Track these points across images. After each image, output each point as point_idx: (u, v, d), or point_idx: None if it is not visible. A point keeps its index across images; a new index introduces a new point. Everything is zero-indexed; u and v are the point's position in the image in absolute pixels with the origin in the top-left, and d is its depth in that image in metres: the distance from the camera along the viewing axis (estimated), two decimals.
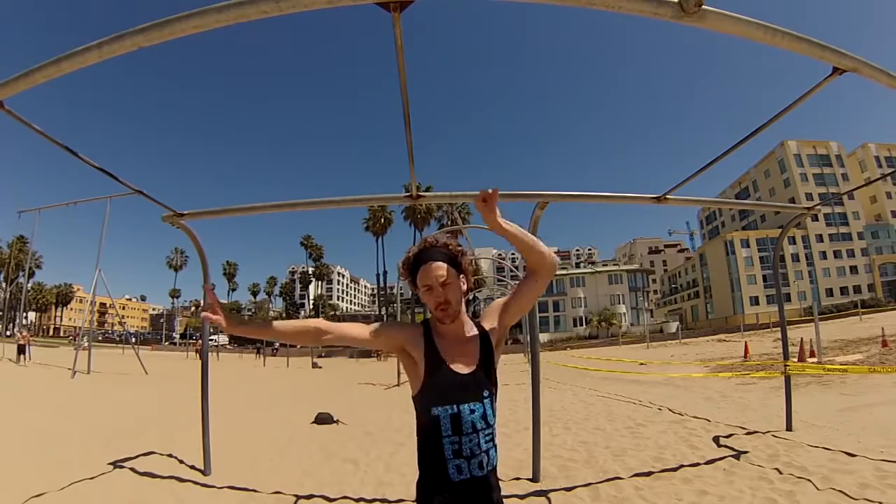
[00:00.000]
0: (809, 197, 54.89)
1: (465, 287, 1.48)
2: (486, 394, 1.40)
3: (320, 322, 1.42)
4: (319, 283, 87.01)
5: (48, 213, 22.93)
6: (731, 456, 4.67)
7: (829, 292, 55.27)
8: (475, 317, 1.56)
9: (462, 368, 1.40)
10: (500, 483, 1.45)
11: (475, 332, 1.49)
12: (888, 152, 59.64)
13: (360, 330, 1.43)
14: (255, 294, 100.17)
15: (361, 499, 3.93)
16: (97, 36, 1.66)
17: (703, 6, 1.49)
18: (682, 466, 4.42)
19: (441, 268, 1.41)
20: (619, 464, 4.64)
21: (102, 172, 3.18)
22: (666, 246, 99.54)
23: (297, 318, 78.55)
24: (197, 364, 19.51)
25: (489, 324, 1.51)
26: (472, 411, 1.37)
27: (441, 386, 1.37)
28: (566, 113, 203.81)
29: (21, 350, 18.61)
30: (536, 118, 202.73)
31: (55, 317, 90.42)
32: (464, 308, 1.48)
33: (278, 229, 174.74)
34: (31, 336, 20.48)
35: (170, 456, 5.31)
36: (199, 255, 4.98)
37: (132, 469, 4.78)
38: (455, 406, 1.35)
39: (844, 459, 4.27)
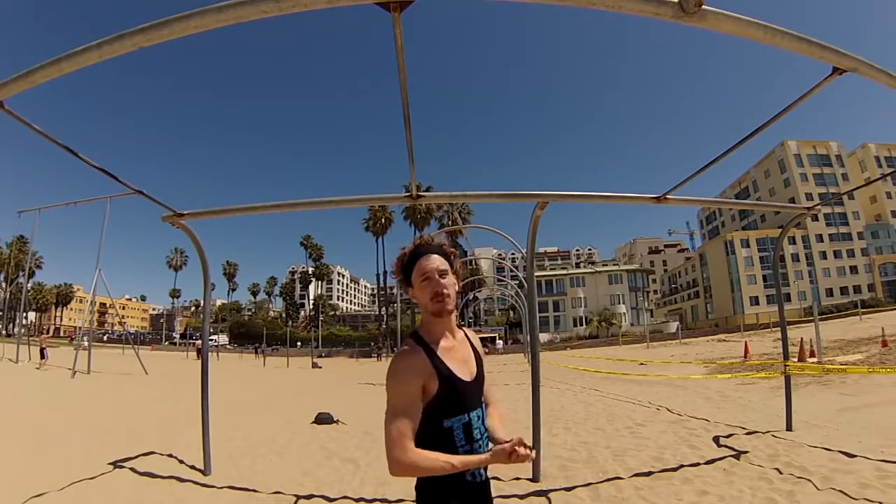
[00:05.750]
0: (809, 197, 54.89)
1: (456, 288, 1.48)
2: (482, 398, 1.46)
3: (409, 440, 1.28)
4: (319, 283, 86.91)
5: (48, 213, 22.96)
6: (731, 456, 4.67)
7: (829, 292, 55.28)
8: (467, 323, 1.53)
9: (466, 375, 1.40)
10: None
11: (464, 338, 1.50)
12: (888, 152, 59.65)
13: (413, 416, 1.30)
14: (255, 294, 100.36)
15: (361, 499, 3.93)
16: (97, 36, 1.67)
17: (703, 6, 1.49)
18: (682, 466, 4.42)
19: (438, 259, 1.42)
20: (619, 464, 4.64)
21: (102, 172, 3.18)
22: (666, 246, 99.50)
23: (297, 317, 78.67)
24: (197, 364, 19.51)
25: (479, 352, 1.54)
26: (479, 418, 1.40)
27: (453, 397, 1.35)
28: (566, 112, 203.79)
29: (42, 354, 17.91)
30: (536, 118, 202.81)
31: (55, 317, 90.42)
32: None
33: (278, 229, 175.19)
34: (44, 337, 19.99)
35: (170, 456, 5.31)
36: (199, 255, 4.99)
37: (132, 469, 4.78)
38: (466, 415, 1.37)
39: (844, 459, 4.27)
